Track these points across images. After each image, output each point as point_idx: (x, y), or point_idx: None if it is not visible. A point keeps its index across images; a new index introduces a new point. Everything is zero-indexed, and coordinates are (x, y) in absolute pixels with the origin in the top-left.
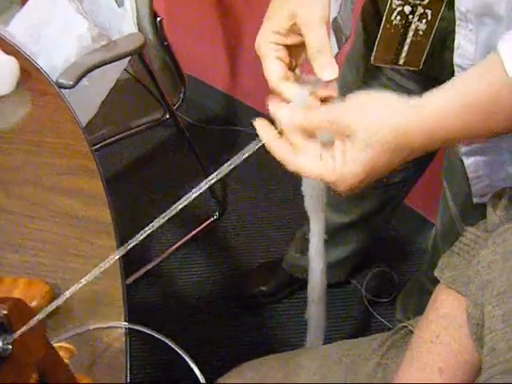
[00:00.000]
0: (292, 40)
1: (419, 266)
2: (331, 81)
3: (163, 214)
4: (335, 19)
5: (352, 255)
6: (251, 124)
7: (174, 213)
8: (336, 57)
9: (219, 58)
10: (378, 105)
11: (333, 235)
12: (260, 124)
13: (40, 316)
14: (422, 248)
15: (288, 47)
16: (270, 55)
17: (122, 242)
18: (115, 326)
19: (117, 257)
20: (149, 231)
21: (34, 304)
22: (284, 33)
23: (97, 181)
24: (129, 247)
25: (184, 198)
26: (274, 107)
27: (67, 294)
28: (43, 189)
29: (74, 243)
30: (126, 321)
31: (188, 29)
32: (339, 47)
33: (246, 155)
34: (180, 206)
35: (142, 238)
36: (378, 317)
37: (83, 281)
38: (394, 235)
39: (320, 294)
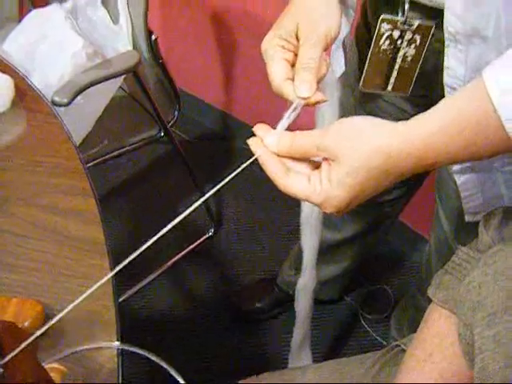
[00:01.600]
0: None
1: (414, 283)
2: (307, 98)
3: (157, 234)
4: (345, 39)
5: (346, 272)
6: (246, 140)
7: (167, 229)
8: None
9: (214, 74)
10: (365, 130)
11: (326, 252)
12: (253, 140)
13: (31, 340)
14: (416, 264)
15: (295, 54)
16: (277, 56)
17: (115, 260)
18: (107, 347)
19: (108, 277)
20: (143, 249)
21: (26, 324)
22: (291, 41)
23: (91, 200)
24: (121, 267)
25: (179, 217)
26: (260, 132)
27: (57, 317)
28: (37, 208)
29: (67, 263)
30: (118, 341)
31: (183, 45)
32: (346, 65)
33: (240, 170)
34: (173, 224)
35: (134, 256)
36: (374, 334)
37: (75, 303)
38: (389, 252)
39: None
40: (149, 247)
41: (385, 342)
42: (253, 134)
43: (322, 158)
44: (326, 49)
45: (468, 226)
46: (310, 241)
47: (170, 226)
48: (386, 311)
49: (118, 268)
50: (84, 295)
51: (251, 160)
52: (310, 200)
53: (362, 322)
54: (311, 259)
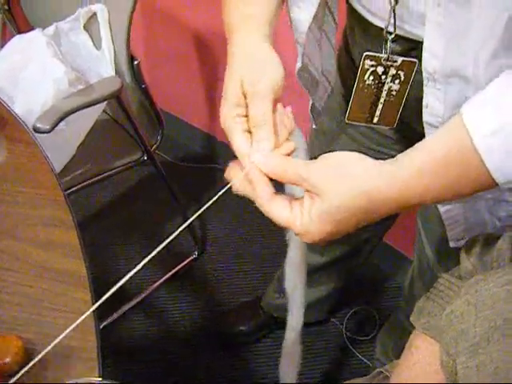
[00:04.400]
0: None
1: (399, 304)
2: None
3: (140, 264)
4: (303, 67)
5: (331, 294)
6: (229, 162)
7: (149, 258)
8: (312, 110)
9: (198, 96)
10: (350, 171)
11: (310, 275)
12: (232, 169)
13: (14, 380)
14: (401, 285)
15: None
16: (236, 128)
17: (97, 286)
18: (88, 383)
19: (91, 310)
20: (126, 278)
21: (7, 360)
22: (243, 103)
23: (72, 232)
24: (101, 302)
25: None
26: (250, 151)
27: (38, 357)
28: (18, 240)
29: (49, 296)
30: (100, 375)
31: (167, 68)
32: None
33: (219, 194)
34: (155, 252)
35: (118, 286)
36: (359, 355)
37: (56, 341)
38: (374, 272)
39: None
40: (131, 271)
41: (370, 364)
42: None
43: (304, 190)
44: (278, 97)
45: (450, 251)
46: (296, 283)
47: (151, 255)
48: (371, 332)
49: (97, 303)
50: (65, 333)
51: (240, 176)
52: (290, 228)
53: (347, 343)
54: (299, 300)
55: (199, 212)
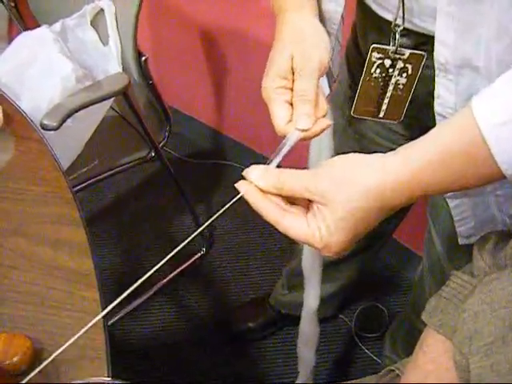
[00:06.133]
0: None
1: (408, 301)
2: (306, 130)
3: (153, 269)
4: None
5: (340, 291)
6: (237, 158)
7: (163, 263)
8: (327, 97)
9: (205, 92)
10: (356, 173)
11: (322, 271)
12: (243, 187)
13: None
14: (410, 282)
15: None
16: (278, 99)
17: (105, 283)
18: (97, 382)
19: (100, 316)
20: (136, 285)
21: (15, 359)
22: (290, 77)
23: (80, 230)
24: (112, 306)
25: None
26: (246, 171)
27: (49, 360)
28: (25, 238)
29: (56, 295)
30: (109, 375)
31: (174, 63)
32: (330, 88)
33: (228, 206)
34: (168, 257)
35: (127, 293)
36: (367, 352)
37: (67, 344)
38: (382, 269)
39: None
40: (140, 267)
41: (379, 361)
42: (244, 153)
43: (308, 200)
44: (321, 76)
45: (460, 248)
46: (313, 262)
47: (164, 261)
48: (380, 329)
49: (109, 307)
50: (75, 337)
51: (237, 197)
52: (310, 244)
53: (356, 340)
54: (315, 279)
55: (210, 221)
